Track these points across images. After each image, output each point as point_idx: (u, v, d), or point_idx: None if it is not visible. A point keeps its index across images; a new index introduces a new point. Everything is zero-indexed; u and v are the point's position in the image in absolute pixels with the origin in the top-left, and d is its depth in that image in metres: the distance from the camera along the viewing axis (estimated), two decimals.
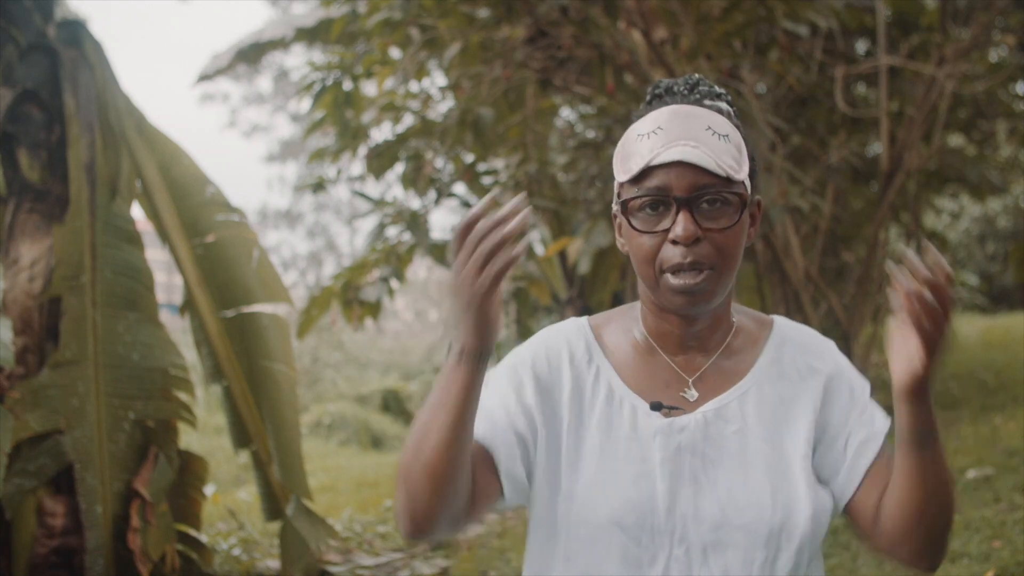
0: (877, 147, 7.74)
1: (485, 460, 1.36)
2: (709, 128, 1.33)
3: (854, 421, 1.40)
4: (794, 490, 1.35)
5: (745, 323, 1.46)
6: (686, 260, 1.32)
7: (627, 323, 1.47)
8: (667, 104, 1.39)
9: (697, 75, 1.44)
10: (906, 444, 1.29)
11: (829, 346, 1.47)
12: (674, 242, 1.32)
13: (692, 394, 1.39)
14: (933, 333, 1.21)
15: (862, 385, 1.43)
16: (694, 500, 1.35)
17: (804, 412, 1.39)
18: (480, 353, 1.27)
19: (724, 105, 1.41)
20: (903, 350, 1.26)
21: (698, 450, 1.36)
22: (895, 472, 1.32)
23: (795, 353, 1.43)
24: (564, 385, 1.41)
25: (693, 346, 1.42)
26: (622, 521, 1.34)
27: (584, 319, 1.50)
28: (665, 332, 1.42)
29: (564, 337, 1.46)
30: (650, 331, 1.43)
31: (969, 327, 11.32)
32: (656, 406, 1.37)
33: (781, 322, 1.48)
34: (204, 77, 7.72)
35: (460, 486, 1.29)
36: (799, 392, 1.40)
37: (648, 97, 1.44)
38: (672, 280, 1.34)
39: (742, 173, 1.34)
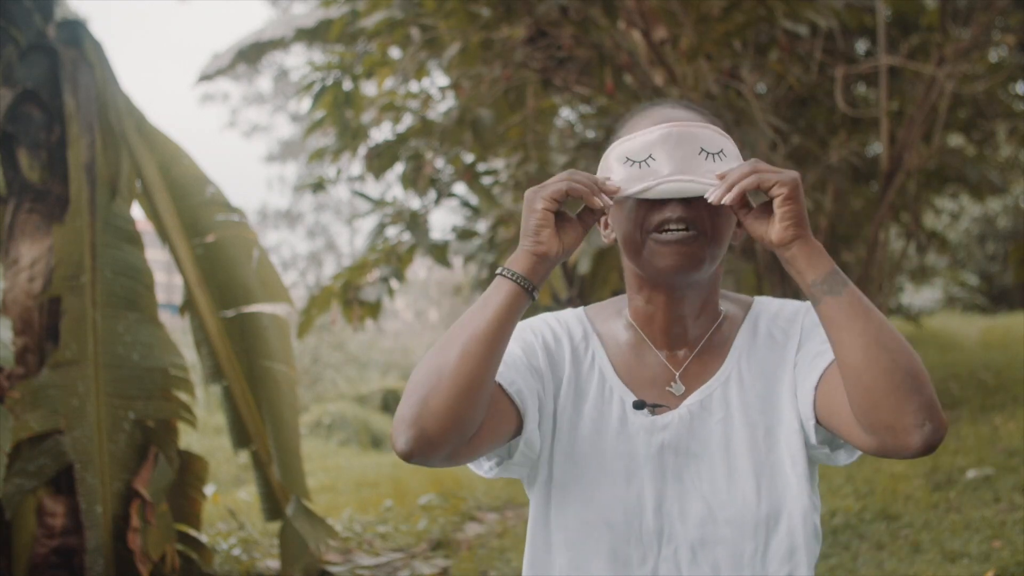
0: (877, 147, 7.75)
1: (500, 401, 1.30)
2: (702, 151, 1.30)
3: (814, 342, 1.36)
4: (780, 472, 1.33)
5: (731, 310, 1.45)
6: (675, 215, 1.30)
7: (617, 313, 1.46)
8: (656, 105, 1.37)
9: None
10: (814, 300, 1.23)
11: (804, 305, 1.43)
12: (664, 204, 1.30)
13: (679, 388, 1.38)
14: (768, 184, 1.22)
15: None
16: (679, 499, 1.34)
17: (788, 377, 1.37)
18: (526, 272, 1.26)
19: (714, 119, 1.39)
20: (759, 225, 1.25)
21: (682, 447, 1.35)
22: (830, 340, 1.24)
23: (769, 322, 1.42)
24: (566, 363, 1.41)
25: (678, 332, 1.40)
26: (610, 519, 1.34)
27: (580, 309, 1.50)
28: (650, 315, 1.40)
29: (565, 320, 1.47)
30: (637, 316, 1.42)
31: (969, 327, 11.31)
32: (639, 404, 1.37)
33: (761, 300, 1.47)
34: (204, 77, 7.71)
35: (481, 400, 1.22)
36: (779, 359, 1.38)
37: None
38: (659, 236, 1.31)
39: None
